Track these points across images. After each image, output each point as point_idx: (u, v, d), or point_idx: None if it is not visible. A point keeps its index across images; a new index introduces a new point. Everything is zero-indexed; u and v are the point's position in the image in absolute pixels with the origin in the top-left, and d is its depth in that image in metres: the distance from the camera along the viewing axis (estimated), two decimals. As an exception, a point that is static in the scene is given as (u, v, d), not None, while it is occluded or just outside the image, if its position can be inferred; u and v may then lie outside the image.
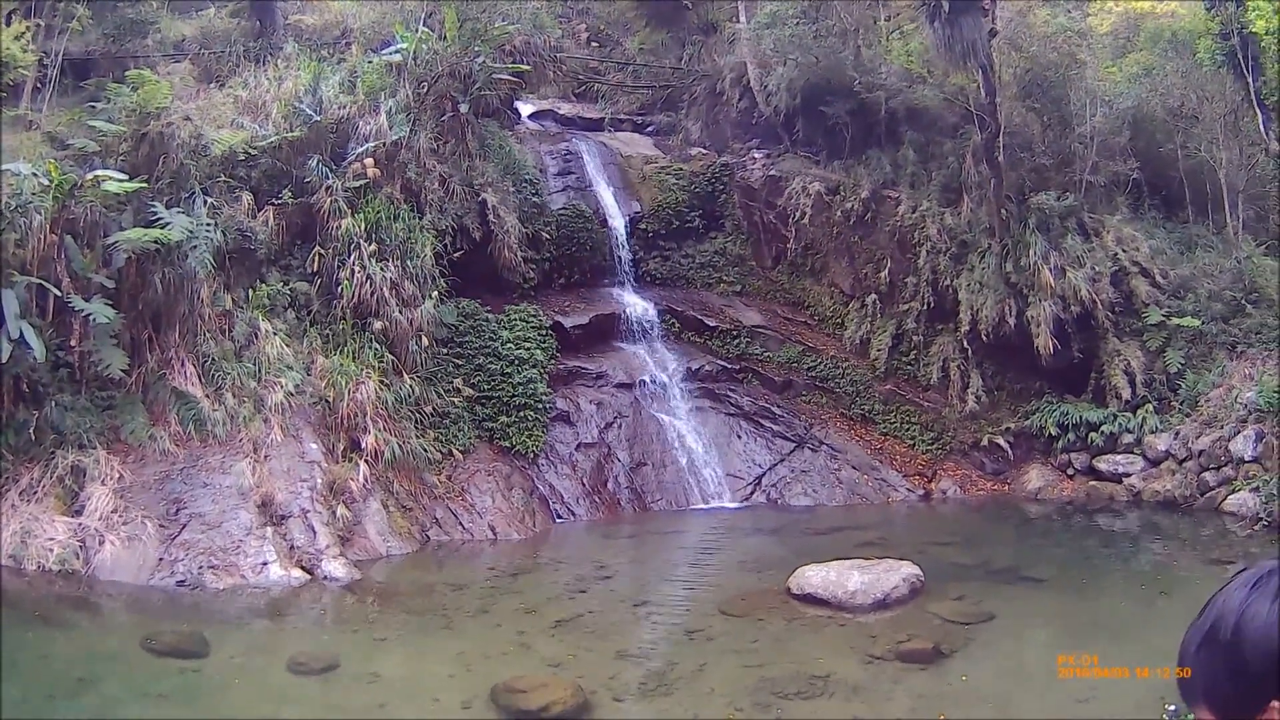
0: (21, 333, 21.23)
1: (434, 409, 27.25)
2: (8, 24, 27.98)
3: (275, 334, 25.69)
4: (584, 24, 47.98)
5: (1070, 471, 30.50)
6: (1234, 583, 2.91)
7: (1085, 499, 29.41)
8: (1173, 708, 12.81)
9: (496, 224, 30.83)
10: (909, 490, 30.22)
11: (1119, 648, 17.55)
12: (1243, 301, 29.84)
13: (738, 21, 39.45)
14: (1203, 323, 29.67)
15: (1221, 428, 27.97)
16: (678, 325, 33.98)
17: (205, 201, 25.55)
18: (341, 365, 25.66)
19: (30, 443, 21.98)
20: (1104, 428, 29.78)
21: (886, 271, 33.25)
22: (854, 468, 30.69)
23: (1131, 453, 29.51)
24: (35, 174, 23.11)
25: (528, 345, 29.66)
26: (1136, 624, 19.61)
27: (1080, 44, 34.02)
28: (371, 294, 26.81)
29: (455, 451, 27.07)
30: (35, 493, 21.37)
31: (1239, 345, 29.28)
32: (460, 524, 25.55)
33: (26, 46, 28.09)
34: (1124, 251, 30.70)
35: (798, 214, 34.44)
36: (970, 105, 32.51)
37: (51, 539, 20.69)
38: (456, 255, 29.60)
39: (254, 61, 33.83)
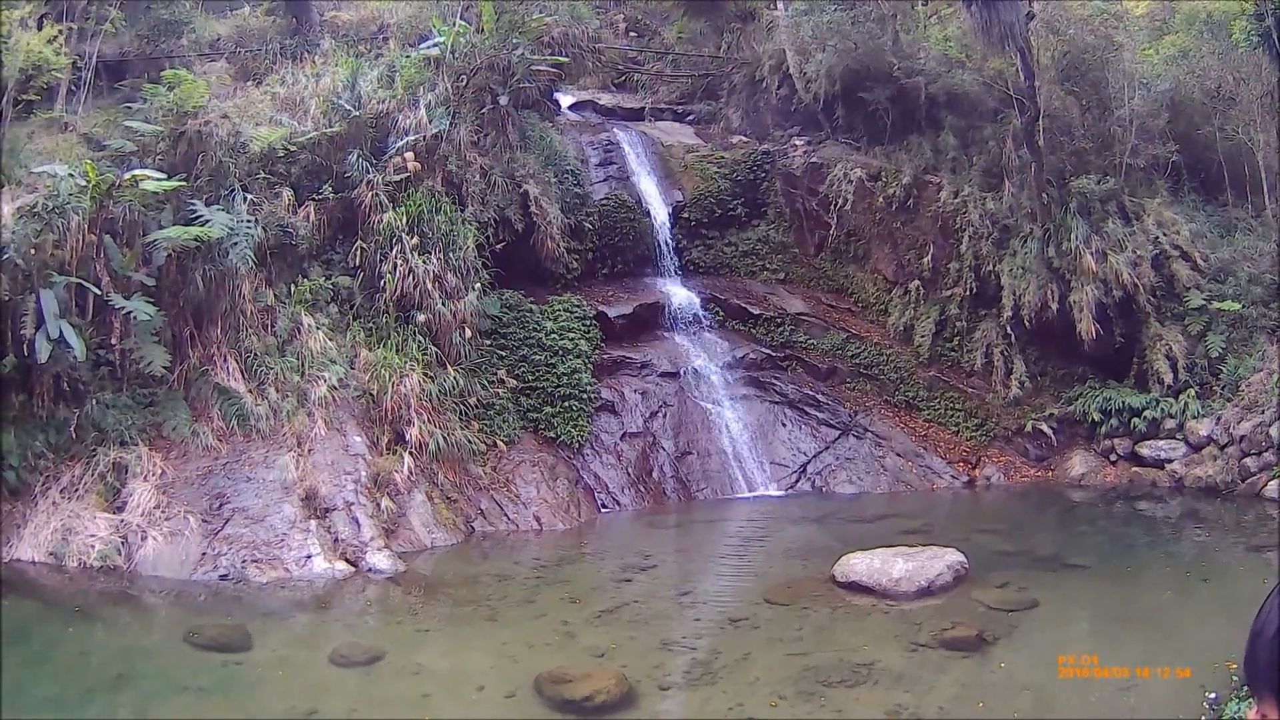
0: (61, 332, 21.40)
1: (478, 400, 27.28)
2: (39, 28, 28.09)
3: (318, 328, 25.81)
4: (621, 14, 47.93)
5: (1113, 457, 30.35)
6: None
7: (1128, 485, 29.31)
8: (1213, 695, 12.75)
9: (539, 215, 30.84)
10: (953, 477, 30.14)
11: (1161, 636, 17.56)
12: (1283, 285, 29.62)
13: (775, 8, 39.35)
14: (1243, 306, 29.51)
15: (1262, 413, 27.83)
16: (721, 314, 33.95)
17: (245, 198, 25.73)
18: (385, 358, 25.72)
19: (71, 441, 22.21)
20: (1146, 413, 29.66)
21: (929, 257, 33.15)
22: (898, 455, 30.65)
23: (1174, 438, 29.38)
24: (72, 175, 23.24)
25: (572, 335, 29.67)
26: (1178, 612, 19.57)
27: (1117, 26, 33.87)
28: (414, 287, 26.86)
29: (500, 443, 27.08)
30: (77, 490, 21.56)
31: (1279, 329, 29.09)
32: (505, 515, 25.60)
33: (60, 49, 28.23)
34: (1164, 235, 30.58)
35: (839, 201, 34.36)
36: (1009, 89, 32.38)
37: (93, 535, 20.87)
38: (499, 247, 29.60)
39: (291, 59, 33.95)
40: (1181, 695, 14.01)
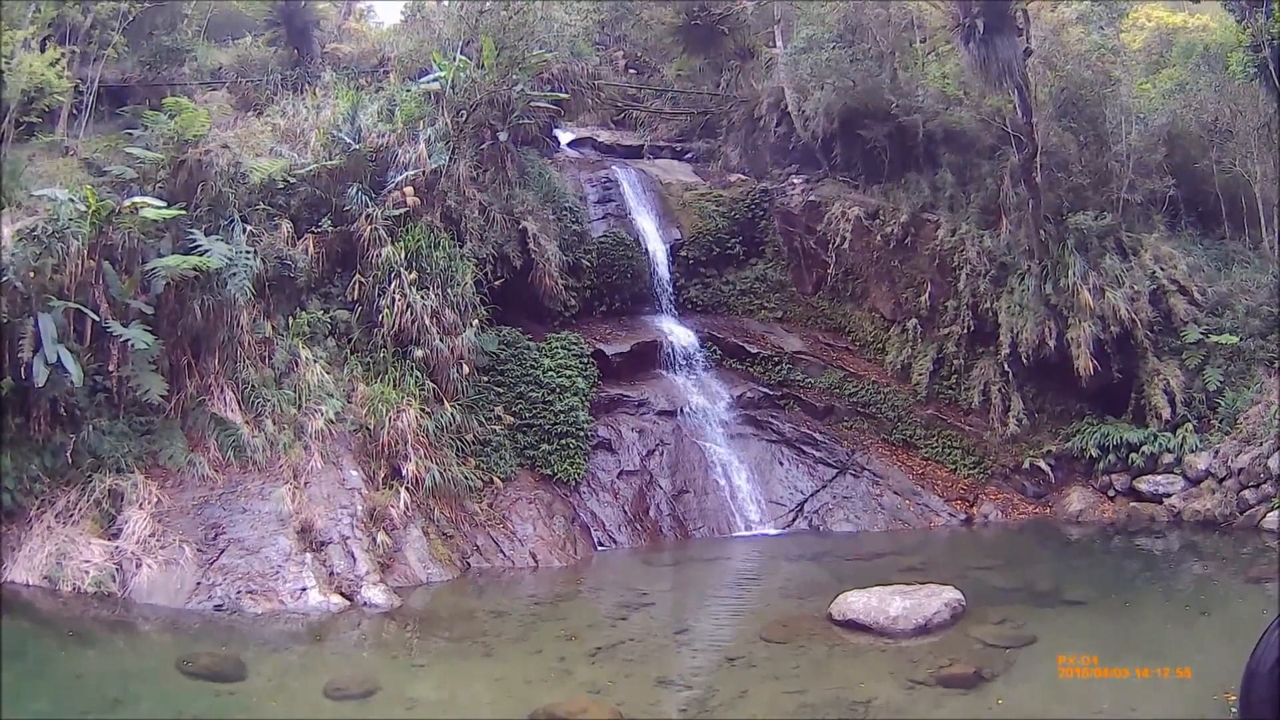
0: (59, 357, 21.40)
1: (475, 437, 27.27)
2: (42, 50, 28.13)
3: (315, 361, 25.79)
4: (621, 51, 48.11)
5: (1111, 493, 30.33)
6: None
7: (1126, 520, 29.21)
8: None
9: (537, 252, 30.90)
10: (950, 515, 30.08)
11: (1161, 669, 17.44)
12: (1280, 317, 29.65)
13: (774, 47, 39.51)
14: (1240, 339, 29.60)
15: (1260, 445, 27.82)
16: (719, 352, 34.03)
17: (244, 229, 25.78)
18: (382, 393, 25.70)
19: (67, 465, 22.20)
20: (1144, 448, 29.66)
21: (927, 295, 33.24)
22: (896, 493, 30.58)
23: (1172, 473, 29.36)
24: (72, 200, 23.25)
25: (569, 373, 29.65)
26: (1178, 645, 19.47)
27: (1114, 61, 33.99)
28: (412, 322, 26.87)
29: (496, 479, 27.05)
30: (72, 515, 21.54)
31: (1277, 361, 29.12)
32: (501, 551, 25.54)
33: (62, 73, 28.27)
34: (1162, 270, 30.67)
35: (837, 239, 34.50)
36: (1007, 126, 32.43)
37: (88, 561, 20.83)
38: (497, 283, 29.65)
39: (292, 90, 34.08)
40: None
